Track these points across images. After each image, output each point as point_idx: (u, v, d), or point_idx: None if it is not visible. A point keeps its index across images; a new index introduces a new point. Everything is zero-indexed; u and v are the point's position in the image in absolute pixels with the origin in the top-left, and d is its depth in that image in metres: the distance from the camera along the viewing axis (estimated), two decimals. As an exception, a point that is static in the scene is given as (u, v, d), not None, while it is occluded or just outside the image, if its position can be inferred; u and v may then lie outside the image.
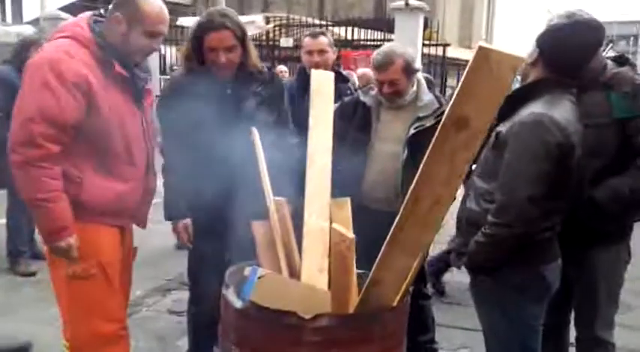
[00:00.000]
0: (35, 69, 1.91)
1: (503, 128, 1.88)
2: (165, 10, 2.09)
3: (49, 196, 1.88)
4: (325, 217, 2.12)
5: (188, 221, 2.51)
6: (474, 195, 1.97)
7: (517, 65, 1.19)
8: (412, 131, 2.63)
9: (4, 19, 20.72)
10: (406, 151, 2.62)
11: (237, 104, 2.46)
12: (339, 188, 2.35)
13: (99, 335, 2.08)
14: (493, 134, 1.92)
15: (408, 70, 2.67)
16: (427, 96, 2.73)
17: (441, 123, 1.31)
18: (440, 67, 10.13)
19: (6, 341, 3.01)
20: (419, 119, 2.65)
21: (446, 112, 1.31)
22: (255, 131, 2.35)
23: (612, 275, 2.34)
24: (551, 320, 2.22)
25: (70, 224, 1.94)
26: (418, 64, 2.82)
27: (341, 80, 3.38)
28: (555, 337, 2.44)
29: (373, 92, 2.80)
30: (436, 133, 1.33)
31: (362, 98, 2.80)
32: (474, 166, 2.09)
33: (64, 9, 16.49)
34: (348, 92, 3.63)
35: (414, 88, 2.73)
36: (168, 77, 8.33)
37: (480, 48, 1.18)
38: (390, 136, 2.72)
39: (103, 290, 2.07)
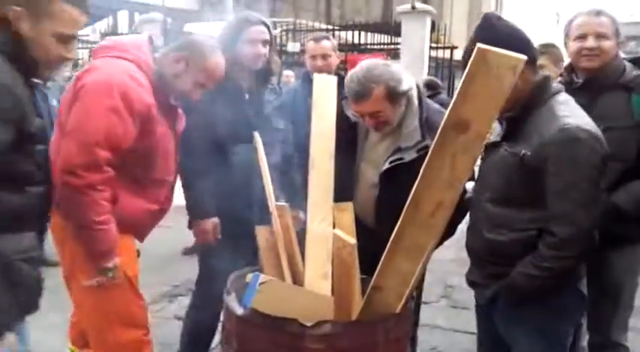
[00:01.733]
0: (103, 92, 1.89)
1: (526, 150, 1.71)
2: (223, 68, 2.17)
3: (105, 218, 1.90)
4: (328, 222, 2.10)
5: (216, 219, 2.49)
6: (492, 225, 1.83)
7: (517, 65, 1.17)
8: (387, 165, 2.25)
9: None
10: (377, 189, 2.29)
11: (255, 110, 2.54)
12: None
13: (123, 342, 2.08)
14: (506, 153, 1.78)
15: (393, 96, 2.17)
16: (414, 123, 2.26)
17: (441, 126, 1.29)
18: (447, 70, 10.08)
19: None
20: (399, 150, 2.25)
21: (446, 115, 1.28)
22: (257, 135, 2.34)
23: (631, 279, 2.30)
24: None
25: (117, 244, 1.96)
26: (407, 82, 2.21)
27: (344, 84, 3.37)
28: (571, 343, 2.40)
29: None
30: (436, 136, 1.31)
31: (347, 112, 2.37)
32: (469, 184, 1.99)
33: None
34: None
35: (403, 107, 2.25)
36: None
37: (479, 49, 1.16)
38: (373, 160, 2.36)
39: (128, 298, 2.09)
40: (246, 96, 2.57)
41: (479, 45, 1.16)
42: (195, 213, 2.50)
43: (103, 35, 14.24)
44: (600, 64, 2.22)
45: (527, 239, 1.75)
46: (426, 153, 2.04)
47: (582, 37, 2.23)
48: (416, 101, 2.32)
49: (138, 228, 2.17)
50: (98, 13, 18.00)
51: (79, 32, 2.04)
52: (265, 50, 2.55)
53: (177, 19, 13.59)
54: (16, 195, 1.57)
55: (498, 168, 1.80)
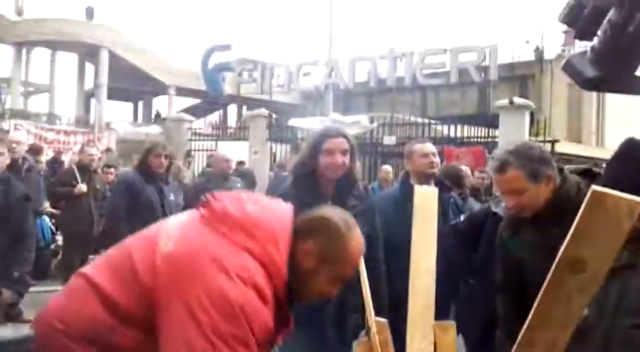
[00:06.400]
0: (218, 299, 1.35)
1: None
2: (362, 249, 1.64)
3: None
4: (429, 341, 2.04)
5: None
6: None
7: (636, 209, 1.13)
8: None
9: (135, 120, 23.26)
10: None
11: None
12: (469, 303, 2.58)
13: None
14: None
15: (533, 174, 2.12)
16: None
17: (555, 263, 1.26)
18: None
19: None
20: None
21: (560, 253, 1.25)
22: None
23: None
24: None
25: None
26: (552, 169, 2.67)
27: (444, 189, 3.37)
28: None
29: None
30: (550, 274, 1.27)
31: (493, 208, 2.78)
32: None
33: (187, 110, 18.09)
34: (451, 200, 3.59)
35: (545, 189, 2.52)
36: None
37: (594, 192, 1.14)
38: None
39: None
40: (329, 203, 2.59)
41: (594, 187, 1.15)
42: None
43: (214, 127, 15.38)
44: None
45: None
46: None
47: None
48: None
49: None
50: (211, 107, 19.66)
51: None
52: (345, 159, 2.63)
53: (281, 113, 14.47)
54: None
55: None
